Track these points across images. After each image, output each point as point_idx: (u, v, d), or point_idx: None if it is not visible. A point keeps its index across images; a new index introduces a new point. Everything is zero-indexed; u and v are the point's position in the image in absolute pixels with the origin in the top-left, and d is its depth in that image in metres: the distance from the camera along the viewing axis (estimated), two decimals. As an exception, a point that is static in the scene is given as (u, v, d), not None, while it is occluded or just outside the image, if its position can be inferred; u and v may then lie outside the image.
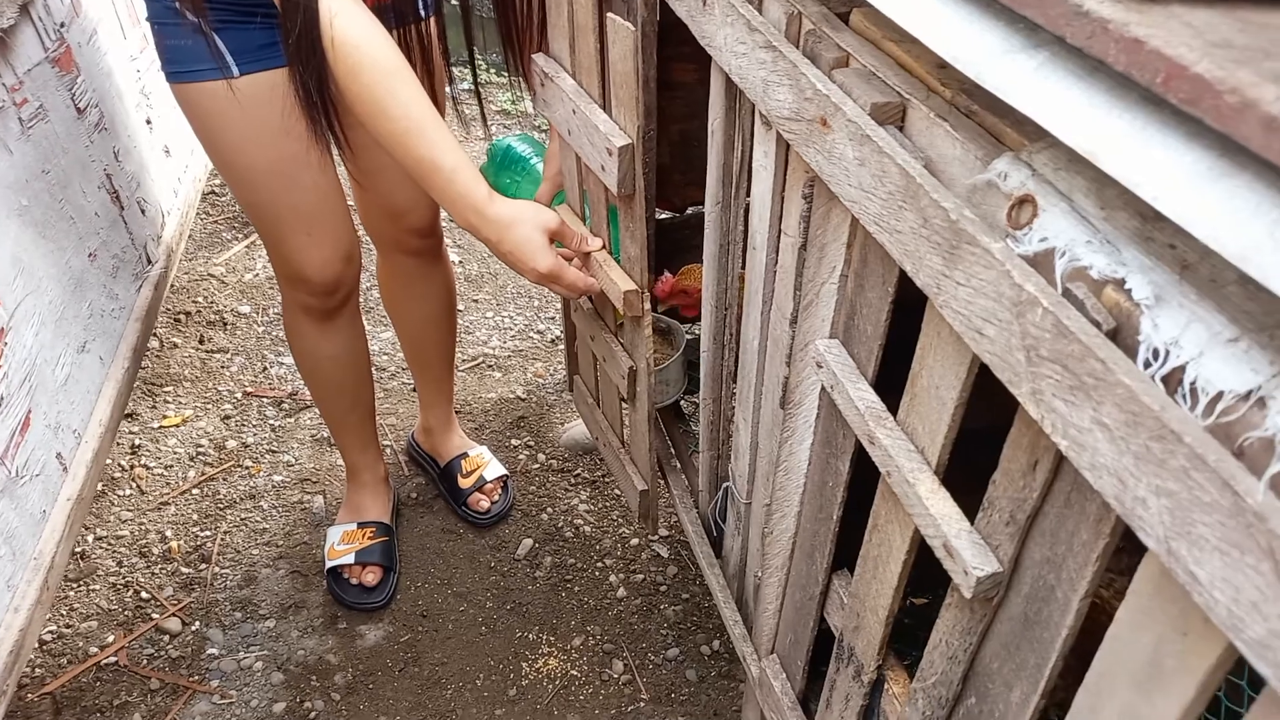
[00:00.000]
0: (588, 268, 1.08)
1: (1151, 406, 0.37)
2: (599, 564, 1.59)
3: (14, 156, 1.09)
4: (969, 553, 0.53)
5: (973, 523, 0.55)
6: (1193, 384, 0.38)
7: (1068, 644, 0.50)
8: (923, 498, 0.56)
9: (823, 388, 0.71)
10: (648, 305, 1.01)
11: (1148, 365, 0.40)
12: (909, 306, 0.62)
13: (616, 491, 1.72)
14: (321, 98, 1.02)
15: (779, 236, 0.77)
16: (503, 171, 1.27)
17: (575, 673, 1.43)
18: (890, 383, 0.65)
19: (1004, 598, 0.54)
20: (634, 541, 1.63)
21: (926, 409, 0.57)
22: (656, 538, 1.64)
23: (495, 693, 1.40)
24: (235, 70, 1.07)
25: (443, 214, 1.49)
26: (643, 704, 1.39)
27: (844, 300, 0.67)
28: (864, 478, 0.71)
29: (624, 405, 1.15)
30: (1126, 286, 0.42)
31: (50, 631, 1.45)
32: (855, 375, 0.65)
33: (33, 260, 1.09)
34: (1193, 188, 0.37)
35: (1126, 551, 0.50)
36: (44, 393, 1.08)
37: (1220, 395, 0.36)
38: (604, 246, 1.07)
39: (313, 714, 1.36)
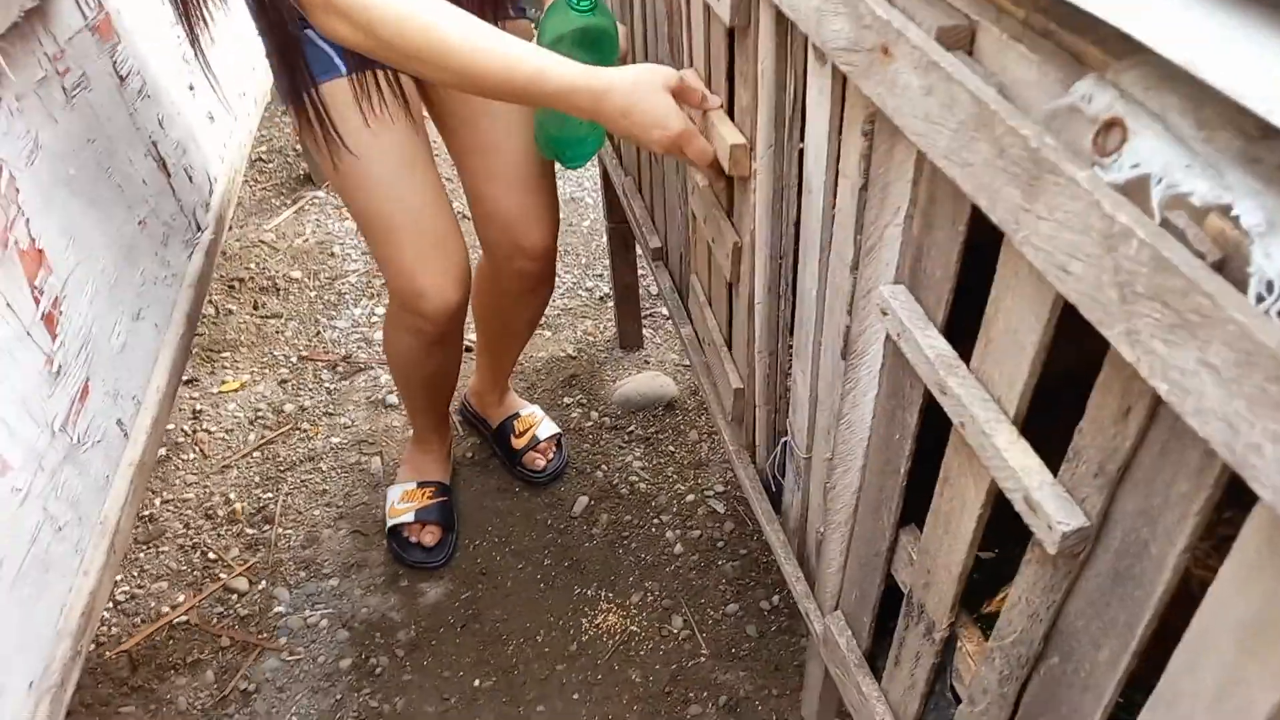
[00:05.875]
0: (704, 130, 0.96)
1: (1267, 344, 0.33)
2: (655, 520, 1.58)
3: (59, 126, 1.09)
4: (1052, 506, 0.50)
5: (1055, 475, 0.52)
6: (1315, 319, 0.34)
7: (1163, 601, 0.46)
8: (1001, 449, 0.53)
9: (888, 336, 0.68)
10: (756, 165, 0.88)
11: (1260, 299, 0.36)
12: (975, 248, 0.59)
13: (670, 448, 1.71)
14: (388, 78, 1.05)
15: (836, 179, 0.73)
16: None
17: (635, 628, 1.43)
18: (955, 330, 0.62)
19: (1091, 553, 0.50)
20: (690, 498, 1.62)
21: (1003, 355, 0.54)
22: (713, 493, 1.62)
23: (556, 648, 1.40)
24: (343, 69, 1.11)
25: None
26: (703, 659, 1.38)
27: (909, 243, 0.63)
28: (928, 429, 0.67)
29: (731, 292, 1.07)
30: (1233, 213, 0.38)
31: (123, 592, 1.50)
32: (924, 322, 0.61)
33: (83, 229, 1.10)
34: (1319, 96, 0.32)
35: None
36: (101, 360, 1.09)
37: (1349, 330, 0.33)
38: (722, 105, 0.94)
39: (378, 670, 1.38)
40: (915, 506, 0.74)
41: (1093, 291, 0.42)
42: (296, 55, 1.08)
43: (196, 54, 1.06)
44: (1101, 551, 0.50)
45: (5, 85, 0.98)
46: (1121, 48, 0.46)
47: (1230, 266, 0.38)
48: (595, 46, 1.09)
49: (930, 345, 0.60)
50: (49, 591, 0.92)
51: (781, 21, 0.76)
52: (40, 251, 0.99)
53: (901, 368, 0.66)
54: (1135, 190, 0.42)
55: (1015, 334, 0.52)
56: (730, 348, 1.13)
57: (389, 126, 1.16)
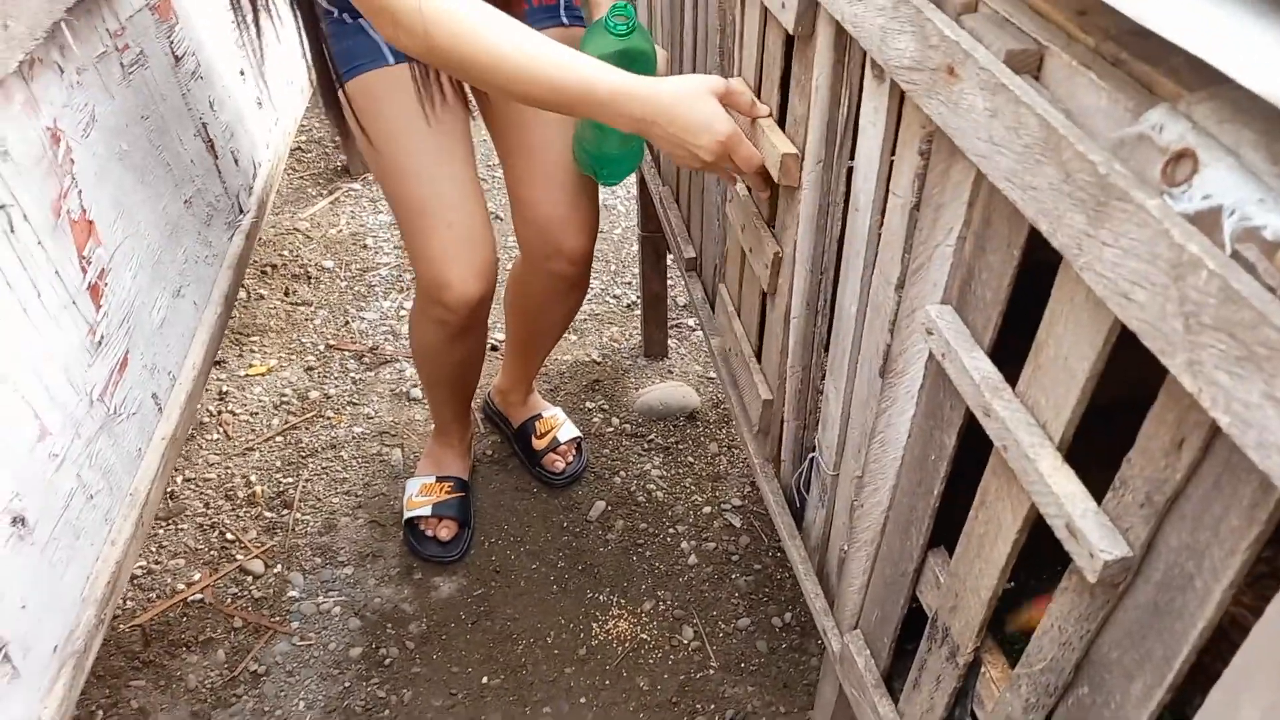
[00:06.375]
0: (753, 139, 0.96)
1: (1338, 381, 0.33)
2: (670, 530, 1.58)
3: (115, 101, 1.10)
4: (1095, 535, 0.49)
5: (1099, 503, 0.52)
6: (1389, 358, 0.34)
7: (1204, 637, 0.46)
8: (1044, 474, 0.53)
9: (930, 356, 0.68)
10: (804, 179, 0.87)
11: (1331, 337, 0.36)
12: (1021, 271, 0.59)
13: (690, 459, 1.71)
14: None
15: (886, 197, 0.73)
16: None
17: (645, 636, 1.42)
18: (995, 353, 0.62)
19: (1131, 584, 0.50)
20: (706, 510, 1.62)
21: (1052, 381, 0.54)
22: (730, 506, 1.62)
23: (565, 651, 1.40)
24: (390, 59, 1.15)
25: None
26: (712, 671, 1.38)
27: (960, 264, 0.63)
28: (961, 451, 0.67)
29: (766, 303, 1.06)
30: (1306, 250, 0.38)
31: (141, 567, 1.51)
32: (970, 344, 0.61)
33: (132, 204, 1.11)
34: None
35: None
36: (141, 334, 1.10)
37: None
38: (770, 113, 0.94)
39: (387, 660, 1.39)
40: (942, 528, 0.73)
41: (1156, 320, 0.42)
42: (326, 50, 1.10)
43: (253, 50, 1.09)
44: (1142, 583, 0.50)
45: (69, 58, 1.00)
46: (1194, 79, 0.47)
47: (1300, 302, 0.38)
48: (633, 69, 1.09)
49: (976, 367, 0.60)
50: (78, 558, 0.93)
51: (840, 36, 0.76)
52: (90, 223, 1.01)
53: (942, 388, 0.66)
54: (1204, 221, 0.42)
55: (1066, 361, 0.52)
56: (760, 359, 1.14)
57: (435, 117, 1.17)
